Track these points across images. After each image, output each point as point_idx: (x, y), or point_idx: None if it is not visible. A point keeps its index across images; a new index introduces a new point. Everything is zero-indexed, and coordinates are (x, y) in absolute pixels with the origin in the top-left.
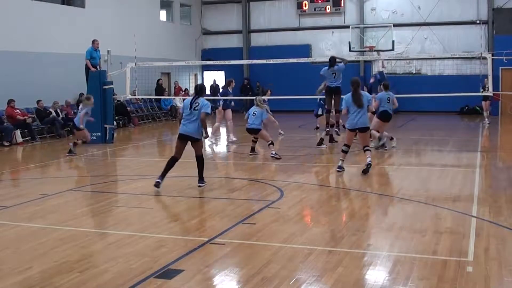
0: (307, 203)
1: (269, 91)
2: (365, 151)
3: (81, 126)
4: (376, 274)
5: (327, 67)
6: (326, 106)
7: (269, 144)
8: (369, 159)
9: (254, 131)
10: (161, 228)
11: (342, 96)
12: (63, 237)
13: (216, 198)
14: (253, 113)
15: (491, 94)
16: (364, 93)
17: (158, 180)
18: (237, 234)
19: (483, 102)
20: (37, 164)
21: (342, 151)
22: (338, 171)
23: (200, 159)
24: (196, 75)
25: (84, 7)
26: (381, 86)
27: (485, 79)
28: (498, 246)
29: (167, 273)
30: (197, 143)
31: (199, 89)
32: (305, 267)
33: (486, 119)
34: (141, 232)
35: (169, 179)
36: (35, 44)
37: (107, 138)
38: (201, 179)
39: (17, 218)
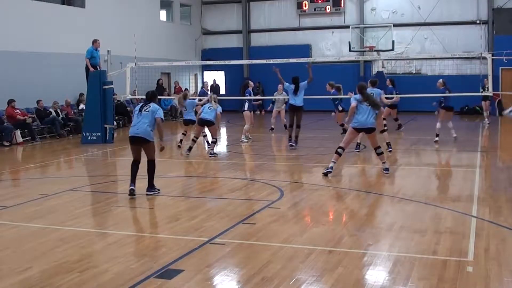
0: (307, 203)
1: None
2: (378, 154)
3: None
4: (376, 274)
5: (290, 84)
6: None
7: (212, 142)
8: (386, 165)
9: (207, 123)
10: (161, 228)
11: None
12: (63, 237)
13: (216, 198)
14: (209, 107)
15: (491, 94)
16: (375, 90)
17: (132, 187)
18: (237, 234)
19: (483, 102)
20: (37, 164)
21: (337, 152)
22: (325, 173)
23: (151, 164)
24: (196, 75)
25: (84, 7)
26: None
27: (485, 79)
28: (498, 246)
29: (167, 273)
30: (148, 145)
31: (151, 95)
32: (305, 267)
33: (486, 119)
34: (141, 232)
35: (169, 179)
36: (35, 44)
37: (107, 138)
38: (150, 186)
39: (17, 218)
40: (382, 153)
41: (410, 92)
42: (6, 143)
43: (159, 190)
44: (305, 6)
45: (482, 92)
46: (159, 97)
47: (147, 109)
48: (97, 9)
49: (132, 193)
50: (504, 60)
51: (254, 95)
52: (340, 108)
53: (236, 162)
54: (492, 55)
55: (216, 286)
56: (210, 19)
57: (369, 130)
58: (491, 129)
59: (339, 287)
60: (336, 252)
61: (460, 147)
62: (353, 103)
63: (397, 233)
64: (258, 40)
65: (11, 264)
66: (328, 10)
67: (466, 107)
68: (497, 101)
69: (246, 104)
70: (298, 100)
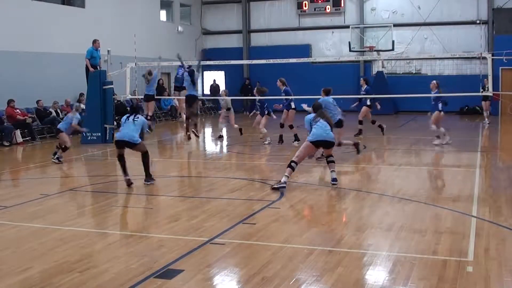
0: (307, 203)
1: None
2: (329, 162)
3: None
4: (376, 274)
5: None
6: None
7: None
8: (334, 174)
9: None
10: (161, 228)
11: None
12: (63, 237)
13: (216, 198)
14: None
15: (491, 94)
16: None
17: (128, 177)
18: (237, 234)
19: (483, 102)
20: (37, 164)
21: (290, 166)
22: (276, 188)
23: (145, 156)
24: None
25: (84, 7)
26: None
27: (485, 79)
28: (498, 246)
29: (167, 273)
30: (136, 146)
31: (135, 107)
32: (305, 267)
33: (486, 119)
34: (141, 232)
35: (169, 179)
36: (35, 44)
37: (107, 138)
38: (148, 176)
39: (17, 218)
40: (333, 161)
41: (410, 92)
42: (6, 143)
43: (154, 180)
44: (305, 6)
45: (482, 92)
46: (159, 97)
47: (136, 119)
48: (97, 9)
49: (129, 182)
50: (504, 60)
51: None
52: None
53: (236, 162)
54: (492, 55)
55: (216, 286)
56: (210, 19)
57: (327, 144)
58: (491, 129)
59: (339, 287)
60: (336, 252)
61: (460, 147)
62: (306, 125)
63: (397, 233)
64: (258, 40)
65: (11, 264)
66: (328, 10)
67: (466, 107)
68: None
69: (266, 109)
70: None
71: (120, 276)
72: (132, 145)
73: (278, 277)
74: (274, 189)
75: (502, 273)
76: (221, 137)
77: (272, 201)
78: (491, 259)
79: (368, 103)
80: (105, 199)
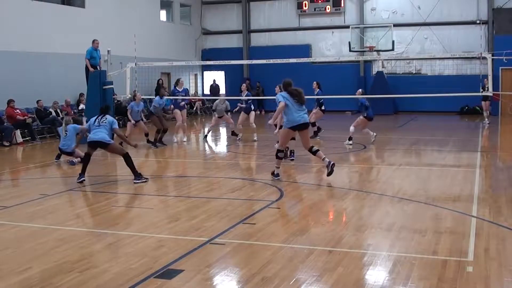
0: (307, 203)
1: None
2: (315, 152)
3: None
4: (376, 274)
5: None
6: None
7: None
8: (327, 160)
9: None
10: (161, 228)
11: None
12: (63, 237)
13: (216, 198)
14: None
15: (491, 94)
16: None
17: (82, 179)
18: (237, 234)
19: (483, 102)
20: (37, 164)
21: (279, 157)
22: (276, 179)
23: (126, 158)
24: (196, 75)
25: (84, 7)
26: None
27: (485, 79)
28: (498, 246)
29: (167, 273)
30: (109, 146)
31: (105, 108)
32: (305, 267)
33: (486, 119)
34: (141, 232)
35: (169, 179)
36: (35, 44)
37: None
38: (136, 175)
39: (17, 218)
40: (319, 150)
41: (410, 92)
42: (6, 143)
43: (147, 179)
44: (305, 6)
45: (482, 92)
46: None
47: (104, 121)
48: (97, 9)
49: (81, 181)
50: (504, 60)
51: (254, 95)
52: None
53: (236, 162)
54: (492, 55)
55: (216, 286)
56: (210, 19)
57: (303, 127)
58: (491, 129)
59: (339, 287)
60: (336, 252)
61: (460, 147)
62: (282, 102)
63: (397, 233)
64: (258, 40)
65: (11, 264)
66: (328, 10)
67: (466, 107)
68: None
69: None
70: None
71: (120, 276)
72: (104, 144)
73: (278, 277)
74: (275, 176)
75: (502, 273)
76: (235, 135)
77: (272, 201)
78: (491, 259)
79: (322, 107)
80: (105, 199)
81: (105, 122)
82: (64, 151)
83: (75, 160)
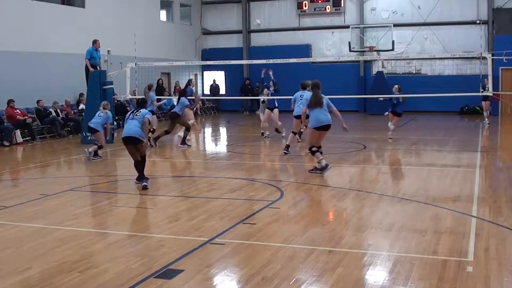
0: (307, 203)
1: (265, 90)
2: (314, 152)
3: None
4: (376, 274)
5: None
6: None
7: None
8: (324, 162)
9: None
10: (161, 228)
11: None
12: (63, 237)
13: (216, 198)
14: (99, 114)
15: (491, 94)
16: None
17: (144, 183)
18: (237, 234)
19: (483, 102)
20: (37, 164)
21: (315, 152)
22: (321, 172)
23: (143, 160)
24: (196, 75)
25: (84, 7)
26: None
27: (485, 79)
28: (498, 246)
29: (167, 273)
30: (141, 144)
31: (141, 102)
32: (305, 267)
33: (486, 119)
34: (141, 232)
35: (168, 179)
36: (35, 44)
37: (107, 138)
38: (140, 176)
39: (17, 218)
40: (317, 151)
41: (410, 92)
42: (6, 143)
43: (147, 178)
44: (305, 6)
45: (482, 92)
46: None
47: (138, 114)
48: (97, 9)
49: (145, 188)
50: (504, 60)
51: (254, 95)
52: None
53: (236, 162)
54: (492, 55)
55: (216, 286)
56: (210, 19)
57: (326, 128)
58: (491, 129)
59: (339, 287)
60: (336, 252)
61: (460, 147)
62: (305, 107)
63: (397, 233)
64: (258, 40)
65: (11, 264)
66: (328, 10)
67: (466, 107)
68: None
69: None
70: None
71: (120, 276)
72: (138, 141)
73: (278, 277)
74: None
75: (502, 273)
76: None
77: (272, 201)
78: (491, 259)
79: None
80: (105, 199)
81: (139, 115)
82: (92, 128)
83: (91, 149)
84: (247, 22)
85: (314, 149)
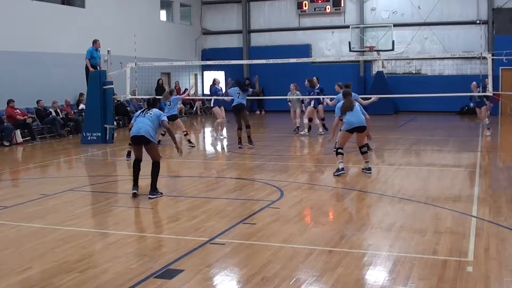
0: (307, 203)
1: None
2: (363, 153)
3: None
4: (376, 274)
5: (236, 88)
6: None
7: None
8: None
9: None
10: (161, 228)
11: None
12: (63, 237)
13: (216, 198)
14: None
15: (491, 94)
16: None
17: (134, 191)
18: (237, 234)
19: (478, 109)
20: (37, 164)
21: (339, 154)
22: (338, 175)
23: (155, 165)
24: (196, 75)
25: (84, 7)
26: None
27: (485, 79)
28: (498, 246)
29: (167, 273)
30: (150, 145)
31: (152, 101)
32: (305, 267)
33: (486, 119)
34: (141, 232)
35: (168, 179)
36: (35, 44)
37: (107, 138)
38: (153, 189)
39: (17, 218)
40: (366, 152)
41: (410, 92)
42: (6, 143)
43: (162, 193)
44: (305, 6)
45: (482, 92)
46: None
47: (150, 113)
48: (97, 9)
49: (134, 195)
50: (504, 60)
51: (253, 95)
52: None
53: (236, 162)
54: (492, 55)
55: (216, 286)
56: (210, 19)
57: (359, 129)
58: (491, 129)
59: (339, 287)
60: (336, 252)
61: (460, 147)
62: (337, 117)
63: (397, 233)
64: (258, 40)
65: (11, 264)
66: (328, 10)
67: (466, 107)
68: None
69: (213, 100)
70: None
71: (120, 276)
72: (147, 141)
73: (278, 277)
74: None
75: (502, 273)
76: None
77: (272, 201)
78: (491, 259)
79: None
80: (105, 199)
81: (151, 114)
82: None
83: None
84: (247, 22)
85: (340, 150)
